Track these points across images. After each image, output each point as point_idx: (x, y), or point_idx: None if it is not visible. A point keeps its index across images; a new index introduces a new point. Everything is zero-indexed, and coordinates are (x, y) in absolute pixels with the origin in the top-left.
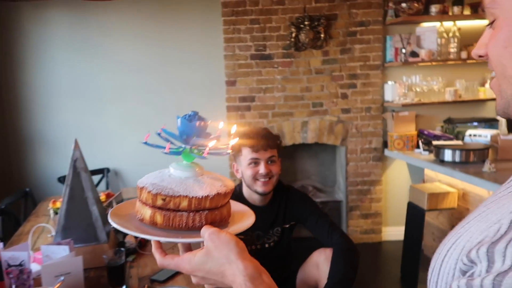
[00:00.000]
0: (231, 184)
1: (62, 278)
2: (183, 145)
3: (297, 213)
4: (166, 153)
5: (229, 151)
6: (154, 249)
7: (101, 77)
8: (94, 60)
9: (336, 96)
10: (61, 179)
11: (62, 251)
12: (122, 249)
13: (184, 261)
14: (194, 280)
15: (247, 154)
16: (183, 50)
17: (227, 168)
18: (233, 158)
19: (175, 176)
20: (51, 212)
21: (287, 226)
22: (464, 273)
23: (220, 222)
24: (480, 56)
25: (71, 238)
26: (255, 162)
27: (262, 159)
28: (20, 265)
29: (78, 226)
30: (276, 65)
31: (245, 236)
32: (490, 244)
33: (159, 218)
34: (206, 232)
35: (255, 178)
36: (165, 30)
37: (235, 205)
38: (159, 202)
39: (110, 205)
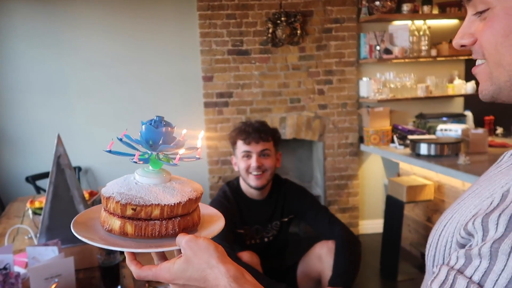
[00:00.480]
0: (200, 188)
1: (56, 280)
2: (150, 152)
3: (296, 207)
4: (135, 162)
5: (198, 156)
6: (129, 261)
7: (69, 72)
8: (62, 54)
9: (313, 92)
10: (29, 179)
11: (50, 253)
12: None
13: (162, 271)
14: None
15: (240, 146)
16: (157, 44)
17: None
18: (232, 151)
19: (143, 184)
20: (30, 212)
21: (286, 220)
22: (462, 246)
23: (192, 227)
24: (462, 46)
25: (57, 238)
26: (247, 155)
27: (254, 152)
28: (5, 268)
29: (64, 226)
30: (254, 61)
31: (244, 231)
32: (484, 215)
33: (129, 228)
34: (183, 239)
35: (248, 171)
36: (139, 24)
37: (203, 208)
38: (129, 212)
39: (94, 203)
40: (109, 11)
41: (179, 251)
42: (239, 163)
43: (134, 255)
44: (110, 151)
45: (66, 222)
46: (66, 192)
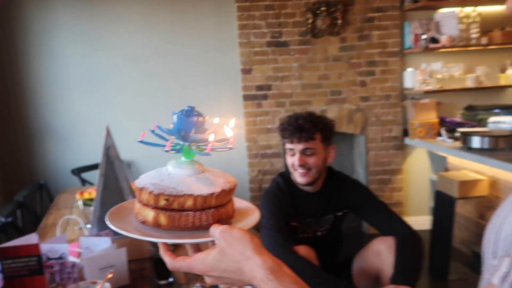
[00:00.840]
0: (233, 180)
1: (111, 270)
2: (182, 142)
3: (352, 201)
4: (166, 151)
5: (231, 146)
6: (163, 252)
7: (109, 67)
8: (102, 50)
9: (354, 83)
10: (75, 171)
11: (103, 243)
12: None
13: (197, 262)
14: (208, 280)
15: (285, 142)
16: (195, 38)
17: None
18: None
19: (175, 175)
20: (79, 203)
21: (340, 214)
22: None
23: (226, 219)
24: None
25: (109, 229)
26: (291, 152)
27: (297, 150)
28: (61, 258)
29: None
30: (293, 53)
31: (297, 224)
32: None
33: (163, 219)
34: (217, 230)
35: (293, 167)
36: (176, 18)
37: (237, 202)
38: (162, 202)
39: None
40: (147, 6)
41: (214, 242)
42: (286, 158)
43: (168, 246)
44: (142, 142)
45: None
46: (116, 183)
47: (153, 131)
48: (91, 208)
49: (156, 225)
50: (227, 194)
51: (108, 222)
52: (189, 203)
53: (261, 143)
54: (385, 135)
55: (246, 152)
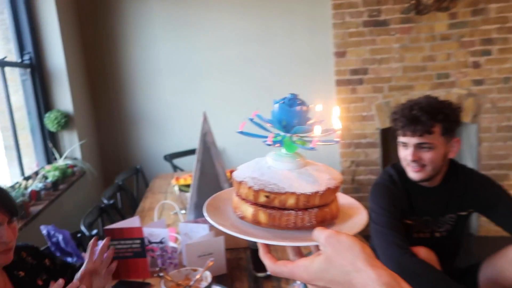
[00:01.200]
0: (339, 176)
1: (211, 259)
2: (283, 134)
3: (480, 200)
4: (268, 144)
5: (338, 139)
6: (263, 254)
7: (201, 54)
8: (194, 37)
9: (465, 65)
10: (167, 157)
11: (201, 230)
12: None
13: (300, 269)
14: None
15: (398, 133)
16: (287, 20)
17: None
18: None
19: (276, 169)
20: (175, 189)
21: (464, 214)
22: None
23: (330, 220)
24: None
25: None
26: (404, 145)
27: (410, 144)
28: (161, 242)
29: None
30: (393, 32)
31: (412, 222)
32: None
33: (263, 217)
34: (322, 235)
35: (405, 161)
36: (268, 1)
37: (340, 197)
38: (262, 199)
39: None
40: None
41: (317, 247)
42: (398, 149)
43: (268, 247)
44: (242, 132)
45: None
46: (212, 170)
47: (251, 120)
48: (187, 194)
49: (255, 222)
50: (332, 192)
51: (206, 215)
52: (291, 201)
53: (355, 132)
54: (502, 124)
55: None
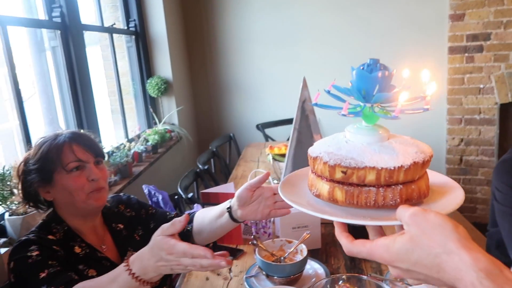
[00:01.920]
0: (428, 149)
1: (308, 232)
2: (362, 104)
3: None
4: (343, 115)
5: (427, 106)
6: (339, 233)
7: (298, 21)
8: (291, 2)
9: None
10: (259, 127)
11: None
12: None
13: (380, 249)
14: (394, 272)
15: None
16: None
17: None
18: None
19: (355, 142)
20: (269, 158)
21: None
22: None
23: (418, 199)
24: None
25: None
26: None
27: None
28: None
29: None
30: None
31: None
32: None
33: (339, 194)
34: (406, 213)
35: None
36: None
37: (433, 176)
38: (339, 175)
39: None
40: None
41: (401, 227)
42: None
43: (345, 226)
44: (316, 104)
45: None
46: (309, 139)
47: (328, 92)
48: (281, 164)
49: (332, 200)
50: (420, 167)
51: (281, 194)
52: (371, 177)
53: (468, 106)
54: None
55: (447, 116)
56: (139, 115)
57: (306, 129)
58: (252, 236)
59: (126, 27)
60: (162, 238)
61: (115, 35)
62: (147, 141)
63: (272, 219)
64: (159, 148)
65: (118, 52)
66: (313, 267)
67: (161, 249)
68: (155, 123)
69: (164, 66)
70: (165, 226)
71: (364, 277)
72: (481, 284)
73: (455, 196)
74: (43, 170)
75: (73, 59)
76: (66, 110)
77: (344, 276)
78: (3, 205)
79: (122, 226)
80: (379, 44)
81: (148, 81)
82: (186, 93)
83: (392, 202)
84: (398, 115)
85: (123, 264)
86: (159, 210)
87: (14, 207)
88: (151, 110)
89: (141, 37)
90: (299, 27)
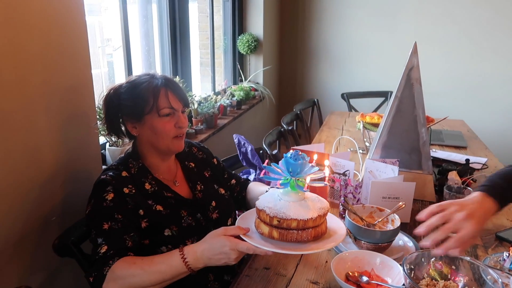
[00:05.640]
0: (327, 205)
1: (402, 202)
2: (289, 177)
3: None
4: (278, 187)
5: (326, 183)
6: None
7: None
8: None
9: None
10: (344, 96)
11: (389, 171)
12: (470, 189)
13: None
14: None
15: None
16: None
17: None
18: None
19: (285, 200)
20: (360, 126)
21: None
22: None
23: (321, 236)
24: None
25: (395, 158)
26: None
27: None
28: (344, 174)
29: (401, 146)
30: None
31: None
32: None
33: (275, 234)
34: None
35: None
36: None
37: (330, 219)
38: (275, 222)
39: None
40: None
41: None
42: None
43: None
44: (264, 177)
45: (405, 143)
46: (411, 110)
47: (264, 167)
48: (371, 133)
49: (270, 237)
50: (322, 217)
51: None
52: (294, 224)
53: None
54: None
55: None
56: (226, 70)
57: (408, 99)
58: (342, 198)
59: None
60: (226, 237)
61: None
62: (233, 96)
63: (362, 185)
64: (243, 105)
65: (215, 5)
66: (403, 240)
67: (224, 245)
68: (241, 80)
69: (257, 23)
70: (229, 228)
71: (466, 258)
72: None
73: (340, 235)
74: (136, 108)
75: (176, 11)
76: (164, 58)
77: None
78: (106, 136)
79: (193, 165)
80: (486, 17)
81: (239, 37)
82: (274, 54)
83: (306, 239)
84: (306, 190)
85: (178, 250)
86: (229, 170)
87: (114, 139)
88: (238, 66)
89: None
90: None
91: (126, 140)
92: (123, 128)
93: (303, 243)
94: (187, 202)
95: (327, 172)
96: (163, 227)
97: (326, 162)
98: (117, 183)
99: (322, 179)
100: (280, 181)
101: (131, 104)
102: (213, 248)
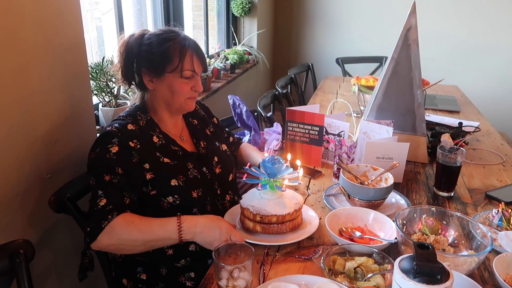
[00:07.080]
0: (301, 200)
1: (396, 161)
2: (268, 178)
3: None
4: (258, 189)
5: (300, 182)
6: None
7: None
8: None
9: None
10: (339, 61)
11: (384, 132)
12: (463, 149)
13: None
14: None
15: None
16: None
17: None
18: None
19: (265, 199)
20: (355, 88)
21: None
22: None
23: (297, 227)
24: None
25: (390, 120)
26: None
27: None
28: (339, 135)
29: (396, 108)
30: None
31: None
32: None
33: (259, 228)
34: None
35: None
36: None
37: (305, 211)
38: (258, 218)
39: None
40: None
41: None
42: None
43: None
44: (247, 180)
45: (400, 105)
46: (407, 72)
47: (247, 169)
48: (366, 96)
49: (254, 231)
50: (297, 211)
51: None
52: (274, 219)
53: None
54: None
55: None
56: (220, 33)
57: (405, 60)
58: (337, 158)
59: None
60: (226, 221)
61: None
62: (227, 59)
63: (356, 145)
64: (237, 69)
65: None
66: (396, 198)
67: (221, 226)
68: (235, 44)
69: None
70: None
71: (456, 213)
72: None
73: (315, 224)
74: (159, 64)
75: None
76: (156, 20)
77: (433, 209)
78: (98, 96)
79: (196, 122)
80: None
81: None
82: (268, 17)
83: (285, 231)
84: (284, 189)
85: (176, 218)
86: (226, 129)
87: (107, 99)
88: (232, 29)
89: None
90: None
91: (139, 90)
92: (136, 78)
93: (283, 235)
94: (193, 156)
95: (301, 172)
96: (170, 177)
97: (298, 162)
98: (123, 136)
99: (295, 178)
100: (260, 183)
101: (154, 59)
102: (210, 222)
